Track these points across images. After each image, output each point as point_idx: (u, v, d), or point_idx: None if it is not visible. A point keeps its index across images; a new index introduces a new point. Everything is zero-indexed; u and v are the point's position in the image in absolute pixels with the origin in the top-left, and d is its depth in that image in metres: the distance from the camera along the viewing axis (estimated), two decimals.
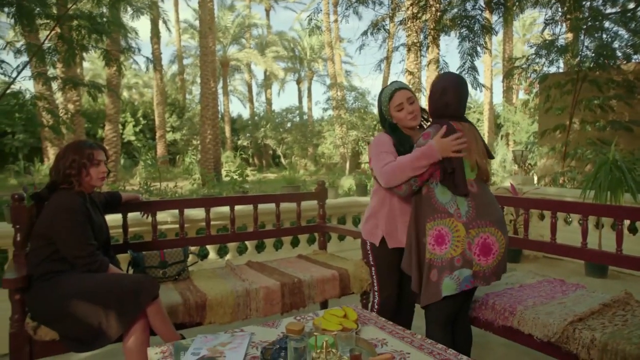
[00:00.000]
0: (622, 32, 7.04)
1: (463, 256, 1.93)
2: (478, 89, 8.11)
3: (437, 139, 1.92)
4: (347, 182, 11.33)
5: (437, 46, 8.74)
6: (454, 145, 1.89)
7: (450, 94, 2.03)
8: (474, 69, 7.61)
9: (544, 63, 7.83)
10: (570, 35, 7.87)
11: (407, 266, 2.15)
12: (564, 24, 7.74)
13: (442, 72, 2.32)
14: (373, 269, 2.38)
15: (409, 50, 8.64)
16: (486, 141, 18.98)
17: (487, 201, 2.02)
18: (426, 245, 1.99)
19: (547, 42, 7.55)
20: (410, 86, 10.04)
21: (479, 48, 7.63)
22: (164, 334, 2.16)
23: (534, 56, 7.82)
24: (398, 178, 1.98)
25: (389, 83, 2.36)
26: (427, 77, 11.19)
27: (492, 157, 2.16)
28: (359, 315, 1.96)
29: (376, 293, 2.38)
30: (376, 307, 2.37)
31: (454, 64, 72.60)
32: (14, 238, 2.28)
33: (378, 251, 2.32)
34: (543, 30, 8.07)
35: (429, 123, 2.41)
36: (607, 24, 7.02)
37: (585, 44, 7.22)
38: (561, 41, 7.76)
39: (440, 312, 2.05)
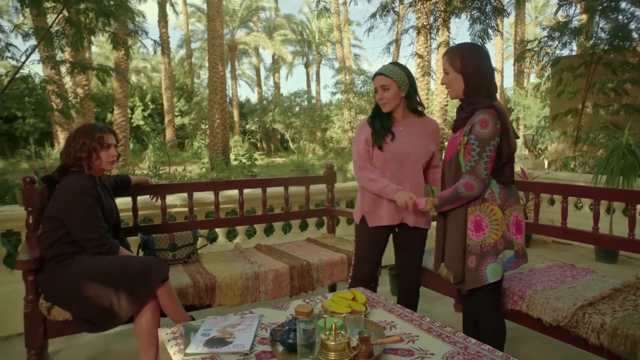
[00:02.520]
0: (639, 12, 6.88)
1: (504, 238, 1.91)
2: None
3: (402, 195, 2.11)
4: None
5: (448, 29, 8.59)
6: (406, 205, 2.10)
7: (489, 67, 1.94)
8: None
9: (557, 46, 7.68)
10: (584, 17, 7.69)
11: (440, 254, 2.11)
12: (578, 5, 7.57)
13: (458, 44, 2.17)
14: (354, 244, 2.49)
15: (418, 32, 8.52)
16: None
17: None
18: (466, 230, 1.96)
19: (561, 24, 7.39)
20: (420, 69, 9.83)
21: (490, 30, 7.50)
22: (174, 316, 2.19)
23: (546, 39, 7.66)
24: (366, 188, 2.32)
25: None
26: (437, 60, 11.04)
27: (517, 137, 2.09)
28: (368, 298, 1.97)
29: (351, 267, 2.50)
30: (349, 281, 2.49)
31: None
32: (26, 220, 2.31)
33: (359, 228, 2.43)
34: (556, 11, 7.91)
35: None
36: (623, 5, 6.85)
37: (600, 25, 7.05)
38: (575, 23, 7.60)
39: (486, 297, 1.98)
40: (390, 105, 2.29)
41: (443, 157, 2.15)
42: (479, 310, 2.02)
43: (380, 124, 2.30)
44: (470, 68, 1.91)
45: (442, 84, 2.06)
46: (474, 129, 1.86)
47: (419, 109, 2.36)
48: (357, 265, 2.45)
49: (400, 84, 2.25)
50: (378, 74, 2.29)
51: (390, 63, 2.33)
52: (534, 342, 2.71)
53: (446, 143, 2.16)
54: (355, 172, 2.36)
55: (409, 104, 2.32)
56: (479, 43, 7.44)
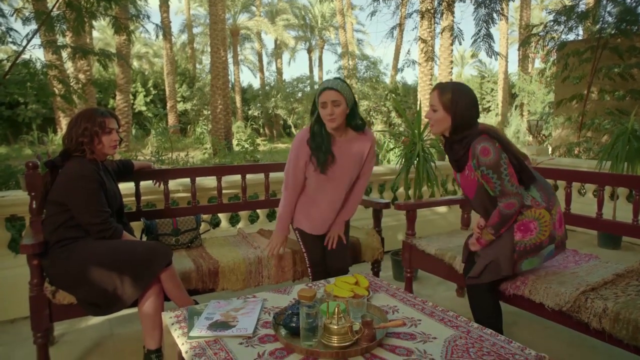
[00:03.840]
0: None
1: (550, 236, 2.05)
2: (493, 57, 7.91)
3: (273, 242, 2.44)
4: None
5: (452, 13, 8.47)
6: (275, 250, 2.46)
7: (476, 105, 2.04)
8: (489, 36, 7.40)
9: (563, 30, 7.59)
10: (591, 0, 7.58)
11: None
12: None
13: (447, 82, 2.15)
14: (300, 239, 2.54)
15: (422, 17, 8.38)
16: (500, 111, 18.71)
17: (542, 179, 2.12)
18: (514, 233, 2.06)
19: (567, 8, 7.29)
20: (423, 54, 9.70)
21: (495, 15, 7.41)
22: (178, 300, 2.20)
23: (552, 23, 7.56)
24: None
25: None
26: (441, 45, 10.93)
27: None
28: (371, 283, 1.98)
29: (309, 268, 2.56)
30: (310, 275, 2.55)
31: (468, 31, 70.73)
32: (29, 205, 2.31)
33: (296, 228, 2.52)
34: None
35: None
36: None
37: (607, 9, 6.94)
38: (581, 7, 7.49)
39: (489, 287, 2.14)
40: (339, 121, 2.24)
41: (461, 193, 2.22)
42: (471, 293, 2.15)
43: (321, 148, 2.25)
44: (460, 108, 1.98)
45: (427, 118, 2.11)
46: (480, 161, 1.95)
47: (359, 123, 2.32)
48: (308, 257, 2.52)
49: (348, 100, 2.22)
50: (329, 88, 2.20)
51: (336, 78, 2.29)
52: (535, 326, 2.73)
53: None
54: (283, 188, 2.41)
55: (351, 120, 2.29)
56: (483, 27, 7.36)
